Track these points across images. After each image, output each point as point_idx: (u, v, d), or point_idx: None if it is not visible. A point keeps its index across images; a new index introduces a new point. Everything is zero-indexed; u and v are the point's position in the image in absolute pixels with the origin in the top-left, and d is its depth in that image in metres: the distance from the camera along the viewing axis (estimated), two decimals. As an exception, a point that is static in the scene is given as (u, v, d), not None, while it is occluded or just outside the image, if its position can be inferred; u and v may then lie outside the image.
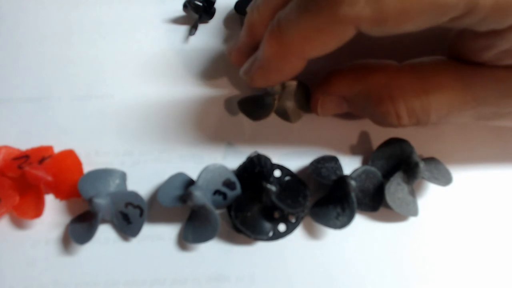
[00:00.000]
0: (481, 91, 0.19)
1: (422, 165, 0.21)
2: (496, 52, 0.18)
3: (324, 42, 0.18)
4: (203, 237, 0.21)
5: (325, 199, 0.21)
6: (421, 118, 0.20)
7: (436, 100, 0.19)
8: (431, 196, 0.22)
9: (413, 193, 0.22)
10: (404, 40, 0.23)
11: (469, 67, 0.19)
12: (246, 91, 0.24)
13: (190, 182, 0.21)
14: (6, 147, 0.23)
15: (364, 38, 0.18)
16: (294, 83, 0.23)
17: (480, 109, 0.19)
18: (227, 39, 0.26)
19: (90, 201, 0.20)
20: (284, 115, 0.23)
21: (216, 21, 0.26)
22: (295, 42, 0.18)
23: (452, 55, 0.20)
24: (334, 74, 0.22)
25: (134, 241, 0.21)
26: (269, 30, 0.19)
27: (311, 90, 0.23)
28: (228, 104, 0.24)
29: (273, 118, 0.23)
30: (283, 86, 0.23)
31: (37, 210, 0.21)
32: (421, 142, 0.23)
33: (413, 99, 0.19)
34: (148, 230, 0.21)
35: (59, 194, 0.22)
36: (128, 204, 0.21)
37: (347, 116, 0.23)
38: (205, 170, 0.21)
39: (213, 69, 0.25)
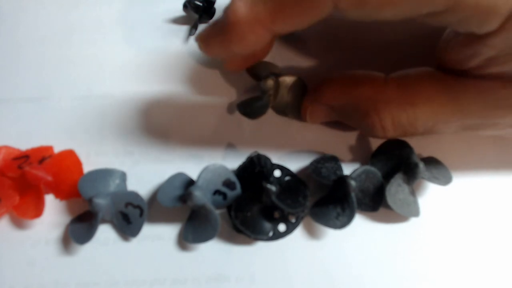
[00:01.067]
0: (466, 103, 0.19)
1: (422, 165, 0.21)
2: (482, 59, 0.18)
3: (298, 14, 0.17)
4: (203, 237, 0.21)
5: (325, 199, 0.21)
6: (408, 130, 0.20)
7: (421, 113, 0.20)
8: (431, 196, 0.22)
9: (414, 194, 0.22)
10: (393, 49, 0.24)
11: (455, 78, 0.19)
12: (246, 91, 0.24)
13: (190, 182, 0.21)
14: (6, 147, 0.23)
15: (355, 45, 0.18)
16: (290, 79, 0.23)
17: (466, 121, 0.20)
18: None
19: (90, 201, 0.20)
20: (281, 111, 0.23)
21: (216, 21, 0.26)
22: (267, 9, 0.17)
23: (439, 64, 0.20)
24: (323, 84, 0.22)
25: (134, 241, 0.21)
26: None
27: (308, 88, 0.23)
28: (228, 104, 0.24)
29: (273, 118, 0.23)
30: (277, 82, 0.22)
31: (37, 210, 0.21)
32: (419, 142, 0.23)
33: (399, 112, 0.20)
34: (148, 230, 0.21)
35: (59, 194, 0.22)
36: (128, 204, 0.21)
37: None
38: (205, 170, 0.21)
39: (213, 69, 0.25)
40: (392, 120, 0.20)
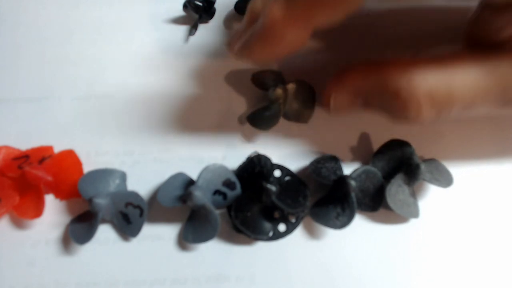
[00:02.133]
0: (505, 74, 0.18)
1: (423, 166, 0.21)
2: None
3: (334, 6, 0.17)
4: (203, 237, 0.21)
5: (325, 199, 0.21)
6: (444, 108, 0.18)
7: (460, 86, 0.18)
8: (432, 198, 0.22)
9: (414, 195, 0.22)
10: (418, 34, 0.22)
11: (489, 52, 0.18)
12: (246, 91, 0.24)
13: (190, 182, 0.21)
14: (6, 147, 0.23)
15: (374, 34, 0.17)
16: (296, 84, 0.23)
17: (504, 95, 0.18)
18: (227, 39, 0.26)
19: (90, 201, 0.20)
20: (293, 117, 0.23)
21: (216, 21, 0.26)
22: (302, 5, 0.17)
23: (469, 41, 0.19)
24: (347, 67, 0.20)
25: (134, 241, 0.21)
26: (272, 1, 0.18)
27: (313, 87, 0.23)
28: (228, 103, 0.24)
29: (281, 122, 0.23)
30: (285, 89, 0.22)
31: (37, 210, 0.21)
32: (421, 144, 0.23)
33: (436, 83, 0.18)
34: (148, 230, 0.21)
35: (59, 194, 0.22)
36: (128, 204, 0.21)
37: (349, 116, 0.23)
38: (205, 170, 0.21)
39: (213, 69, 0.25)
40: (430, 93, 0.18)
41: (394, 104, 0.19)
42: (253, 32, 0.19)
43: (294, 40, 0.19)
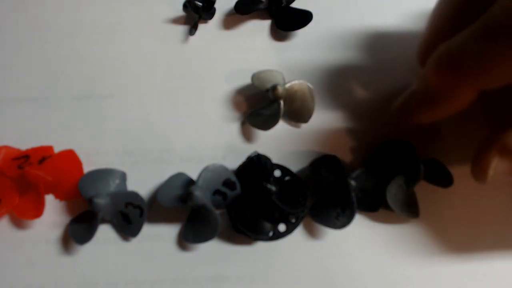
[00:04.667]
0: None
1: (423, 166, 0.21)
2: None
3: (508, 69, 0.16)
4: (203, 237, 0.21)
5: (325, 199, 0.21)
6: None
7: None
8: (432, 198, 0.22)
9: (414, 195, 0.22)
10: None
11: None
12: (246, 91, 0.24)
13: (190, 182, 0.21)
14: (6, 147, 0.23)
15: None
16: (297, 85, 0.23)
17: None
18: (227, 39, 0.26)
19: (90, 201, 0.20)
20: (293, 117, 0.23)
21: (216, 21, 0.26)
22: (472, 73, 0.17)
23: None
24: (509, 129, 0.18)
25: (134, 241, 0.21)
26: (435, 62, 0.18)
27: (313, 87, 0.23)
28: (228, 103, 0.24)
29: (281, 122, 0.23)
30: (285, 89, 0.22)
31: (37, 210, 0.21)
32: (421, 144, 0.23)
33: None
34: (148, 230, 0.21)
35: (59, 194, 0.22)
36: (128, 204, 0.21)
37: (349, 116, 0.24)
38: (205, 170, 0.21)
39: (213, 69, 0.25)
40: None
41: None
42: (409, 97, 0.20)
43: (462, 103, 0.18)
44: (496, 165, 0.18)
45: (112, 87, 0.24)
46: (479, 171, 0.19)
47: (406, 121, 0.21)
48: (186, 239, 0.21)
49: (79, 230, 0.21)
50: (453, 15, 0.19)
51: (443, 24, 0.20)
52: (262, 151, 0.22)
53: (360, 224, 0.22)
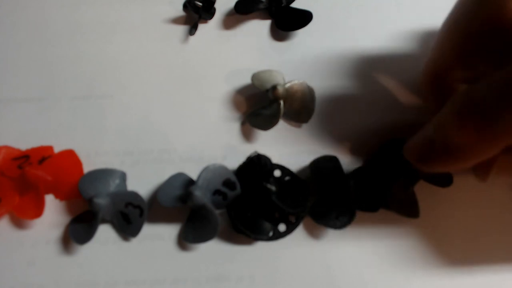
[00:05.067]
0: None
1: (422, 165, 0.21)
2: None
3: None
4: (203, 237, 0.21)
5: (325, 199, 0.21)
6: None
7: None
8: (432, 198, 0.22)
9: (414, 195, 0.22)
10: None
11: None
12: (246, 91, 0.24)
13: (190, 182, 0.21)
14: (6, 147, 0.23)
15: None
16: (297, 85, 0.23)
17: None
18: (227, 39, 0.26)
19: (90, 201, 0.20)
20: (293, 117, 0.23)
21: (216, 21, 0.26)
22: (501, 132, 0.15)
23: None
24: None
25: (134, 241, 0.21)
26: (457, 112, 0.16)
27: (313, 87, 0.23)
28: (228, 103, 0.24)
29: (281, 122, 0.23)
30: (285, 89, 0.22)
31: (37, 210, 0.21)
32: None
33: None
34: (148, 230, 0.21)
35: (59, 194, 0.22)
36: (128, 204, 0.21)
37: (349, 116, 0.24)
38: (205, 170, 0.21)
39: (213, 69, 0.25)
40: None
41: None
42: (427, 144, 0.18)
43: (484, 158, 0.16)
44: (500, 165, 0.18)
45: (112, 87, 0.24)
46: (483, 172, 0.18)
47: (420, 169, 0.19)
48: (186, 239, 0.21)
49: (79, 230, 0.21)
50: (464, 44, 0.17)
51: (452, 51, 0.18)
52: (262, 151, 0.22)
53: (360, 224, 0.22)
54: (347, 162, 0.23)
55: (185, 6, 0.25)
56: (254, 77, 0.23)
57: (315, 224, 0.21)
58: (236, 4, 0.26)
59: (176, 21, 0.26)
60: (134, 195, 0.21)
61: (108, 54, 0.25)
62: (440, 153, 0.17)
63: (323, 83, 0.24)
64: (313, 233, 0.22)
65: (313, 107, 0.23)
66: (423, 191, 0.22)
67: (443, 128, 0.17)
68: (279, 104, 0.22)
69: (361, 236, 0.21)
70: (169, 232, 0.21)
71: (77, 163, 0.22)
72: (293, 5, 0.25)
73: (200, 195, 0.20)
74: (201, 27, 0.26)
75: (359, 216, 0.22)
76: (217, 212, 0.20)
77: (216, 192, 0.21)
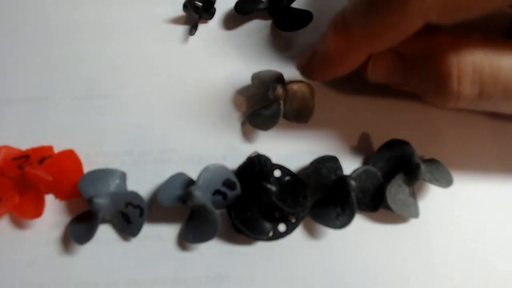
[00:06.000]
0: None
1: (423, 166, 0.21)
2: None
3: (392, 36, 0.18)
4: (203, 237, 0.21)
5: (325, 199, 0.21)
6: (486, 88, 0.18)
7: (506, 71, 0.18)
8: (432, 198, 0.22)
9: (414, 195, 0.22)
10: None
11: None
12: (246, 91, 0.24)
13: (190, 182, 0.21)
14: (6, 147, 0.23)
15: None
16: (298, 85, 0.23)
17: None
18: (227, 39, 0.26)
19: (90, 201, 0.20)
20: (293, 117, 0.23)
21: (216, 21, 0.26)
22: (362, 37, 0.18)
23: None
24: None
25: (134, 241, 0.21)
26: (332, 25, 0.19)
27: (313, 87, 0.23)
28: (228, 103, 0.24)
29: (281, 122, 0.23)
30: (285, 89, 0.22)
31: (37, 210, 0.21)
32: (421, 144, 0.23)
33: (482, 60, 0.18)
34: (148, 230, 0.21)
35: (59, 194, 0.22)
36: (128, 204, 0.21)
37: (349, 116, 0.24)
38: (205, 170, 0.21)
39: (213, 69, 0.25)
40: (473, 69, 0.18)
41: (435, 74, 0.19)
42: (311, 56, 0.21)
43: (354, 63, 0.20)
44: (373, 61, 0.21)
45: (112, 87, 0.24)
46: (364, 68, 0.21)
47: (309, 78, 0.22)
48: (186, 239, 0.21)
49: (79, 230, 0.21)
50: None
51: None
52: (262, 151, 0.22)
53: (360, 224, 0.22)
54: (347, 162, 0.23)
55: (185, 6, 0.25)
56: (254, 77, 0.23)
57: (315, 224, 0.21)
58: (236, 4, 0.26)
59: (176, 21, 0.26)
60: (134, 195, 0.21)
61: (108, 54, 0.25)
62: (319, 61, 0.21)
63: (323, 83, 0.24)
64: (313, 233, 0.22)
65: (313, 107, 0.23)
66: (423, 191, 0.22)
67: (323, 39, 0.20)
68: (279, 104, 0.22)
69: (361, 236, 0.21)
70: (169, 232, 0.21)
71: (77, 163, 0.22)
72: (293, 5, 0.25)
73: (200, 195, 0.20)
74: (201, 27, 0.26)
75: (359, 216, 0.22)
76: (217, 212, 0.20)
77: (216, 192, 0.21)
